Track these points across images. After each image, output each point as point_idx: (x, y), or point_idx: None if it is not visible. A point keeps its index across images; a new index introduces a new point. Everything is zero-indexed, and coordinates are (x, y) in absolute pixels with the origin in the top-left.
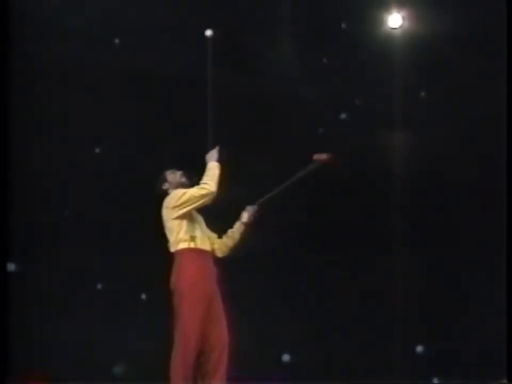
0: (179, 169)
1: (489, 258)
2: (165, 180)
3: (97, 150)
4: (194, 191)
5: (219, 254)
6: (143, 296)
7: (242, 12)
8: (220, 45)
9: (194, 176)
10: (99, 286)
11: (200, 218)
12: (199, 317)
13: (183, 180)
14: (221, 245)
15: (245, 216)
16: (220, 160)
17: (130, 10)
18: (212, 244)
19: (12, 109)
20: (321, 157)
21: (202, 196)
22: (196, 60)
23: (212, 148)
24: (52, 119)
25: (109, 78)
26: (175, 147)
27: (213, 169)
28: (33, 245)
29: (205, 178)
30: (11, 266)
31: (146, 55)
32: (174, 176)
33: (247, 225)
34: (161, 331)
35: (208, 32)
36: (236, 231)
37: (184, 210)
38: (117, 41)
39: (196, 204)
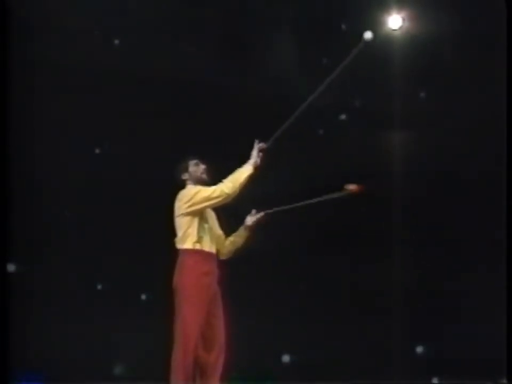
0: (204, 163)
1: (489, 258)
2: (186, 170)
3: (97, 150)
4: (208, 192)
5: (221, 256)
6: (143, 296)
7: (242, 12)
8: (220, 45)
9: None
10: (99, 286)
11: (212, 216)
12: (200, 317)
13: (204, 176)
14: (224, 248)
15: (249, 219)
16: (259, 164)
17: (130, 10)
18: (217, 244)
19: (11, 109)
20: (351, 187)
21: (215, 198)
22: (195, 59)
23: (211, 147)
24: (52, 119)
25: (109, 78)
26: (175, 147)
27: (240, 172)
28: (33, 245)
29: (227, 179)
30: (11, 267)
31: (146, 56)
32: (196, 168)
33: (251, 230)
34: (161, 331)
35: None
36: (240, 235)
37: (194, 208)
38: (117, 41)
39: (207, 204)
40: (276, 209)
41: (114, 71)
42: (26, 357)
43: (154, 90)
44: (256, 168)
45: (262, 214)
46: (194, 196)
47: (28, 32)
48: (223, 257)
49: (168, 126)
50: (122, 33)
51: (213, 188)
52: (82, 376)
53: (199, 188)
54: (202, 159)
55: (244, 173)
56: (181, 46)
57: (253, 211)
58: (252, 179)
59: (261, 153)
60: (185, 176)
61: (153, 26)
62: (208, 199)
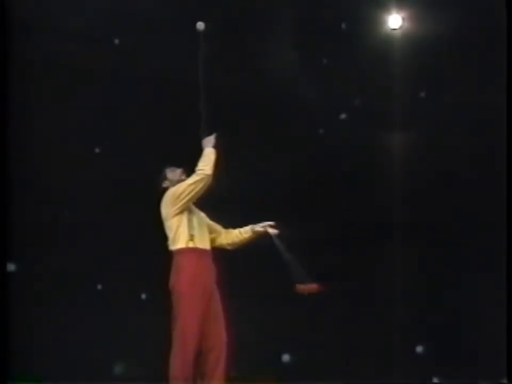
0: (179, 166)
1: (489, 258)
2: (165, 178)
3: (97, 150)
4: (189, 181)
5: (227, 247)
6: (143, 296)
7: (242, 12)
8: (219, 45)
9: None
10: (99, 286)
11: (201, 216)
12: (198, 317)
13: (183, 177)
14: (229, 240)
15: (259, 227)
16: (216, 146)
17: (130, 10)
18: (215, 238)
19: (11, 109)
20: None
21: (197, 182)
22: (195, 60)
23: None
24: (51, 119)
25: (109, 78)
26: (175, 147)
27: (208, 154)
28: (33, 245)
29: (200, 164)
30: (11, 266)
31: (146, 56)
32: (174, 174)
33: (257, 235)
34: (161, 331)
35: (201, 26)
36: (247, 236)
37: (183, 202)
38: (116, 41)
39: (194, 192)
40: (279, 245)
41: (114, 70)
42: (26, 357)
43: (155, 90)
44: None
45: (271, 230)
46: (177, 191)
47: (28, 32)
48: (229, 248)
49: (169, 125)
50: (122, 33)
51: (191, 176)
52: (82, 376)
53: (178, 184)
54: (177, 165)
55: (211, 154)
56: (182, 45)
57: (266, 223)
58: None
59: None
60: (166, 184)
61: (153, 26)
62: (191, 185)
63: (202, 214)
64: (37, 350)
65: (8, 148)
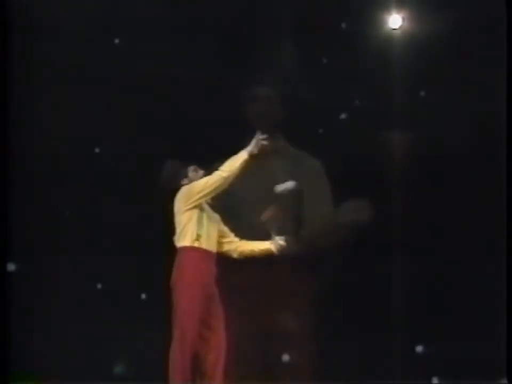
0: (202, 168)
1: (489, 258)
2: (186, 176)
3: (97, 150)
4: (205, 180)
5: (234, 255)
6: (143, 296)
7: (242, 12)
8: (219, 45)
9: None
10: (99, 286)
11: (213, 217)
12: (197, 314)
13: None
14: (239, 249)
15: (275, 246)
16: (253, 151)
17: (130, 10)
18: (224, 244)
19: (11, 109)
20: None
21: (212, 181)
22: (195, 59)
23: (211, 147)
24: (51, 119)
25: (109, 78)
26: (175, 147)
27: (237, 158)
28: (33, 245)
29: (223, 165)
30: (11, 266)
31: (146, 55)
32: (195, 174)
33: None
34: (161, 331)
35: None
36: (259, 252)
37: (195, 198)
38: (117, 41)
39: (207, 191)
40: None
41: (114, 70)
42: (26, 356)
43: (155, 90)
44: (252, 156)
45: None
46: (192, 187)
47: (28, 31)
48: (235, 256)
49: (169, 125)
50: (123, 32)
51: (209, 176)
52: (82, 376)
53: (194, 182)
54: (200, 165)
55: (239, 158)
56: (182, 45)
57: (277, 238)
58: (247, 166)
59: (262, 143)
60: (184, 181)
61: (153, 25)
62: (206, 185)
63: (217, 216)
64: (37, 350)
65: (8, 148)
